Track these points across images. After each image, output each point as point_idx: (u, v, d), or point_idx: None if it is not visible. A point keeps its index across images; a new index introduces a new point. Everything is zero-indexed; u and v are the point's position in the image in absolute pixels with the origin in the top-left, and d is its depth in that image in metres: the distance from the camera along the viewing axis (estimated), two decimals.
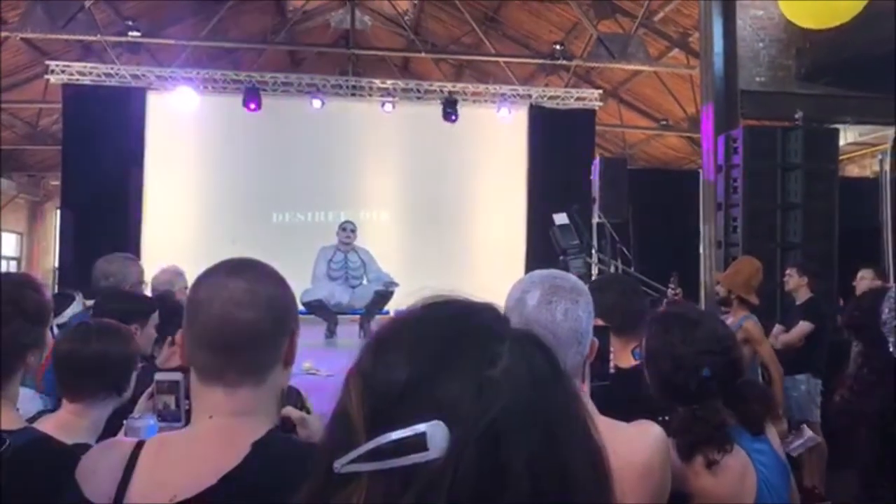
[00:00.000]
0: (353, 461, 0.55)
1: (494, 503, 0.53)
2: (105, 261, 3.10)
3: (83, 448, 1.49)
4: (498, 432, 0.54)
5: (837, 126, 6.85)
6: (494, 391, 0.55)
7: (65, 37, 10.04)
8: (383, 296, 7.73)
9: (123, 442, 1.11)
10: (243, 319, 1.03)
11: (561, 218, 7.25)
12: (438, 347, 0.58)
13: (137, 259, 3.65)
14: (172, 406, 1.33)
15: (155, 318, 2.50)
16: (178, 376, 1.08)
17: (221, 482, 0.96)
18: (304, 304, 7.47)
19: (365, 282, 7.87)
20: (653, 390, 1.71)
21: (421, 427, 0.53)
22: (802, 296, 5.18)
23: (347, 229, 7.87)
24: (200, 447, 1.02)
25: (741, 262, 4.74)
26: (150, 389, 1.42)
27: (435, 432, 0.53)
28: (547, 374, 0.59)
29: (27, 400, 1.89)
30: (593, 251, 8.23)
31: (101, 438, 1.67)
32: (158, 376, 1.43)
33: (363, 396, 0.58)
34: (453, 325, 0.60)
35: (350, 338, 7.56)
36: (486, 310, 0.63)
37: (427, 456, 0.53)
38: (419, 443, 0.53)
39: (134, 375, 1.83)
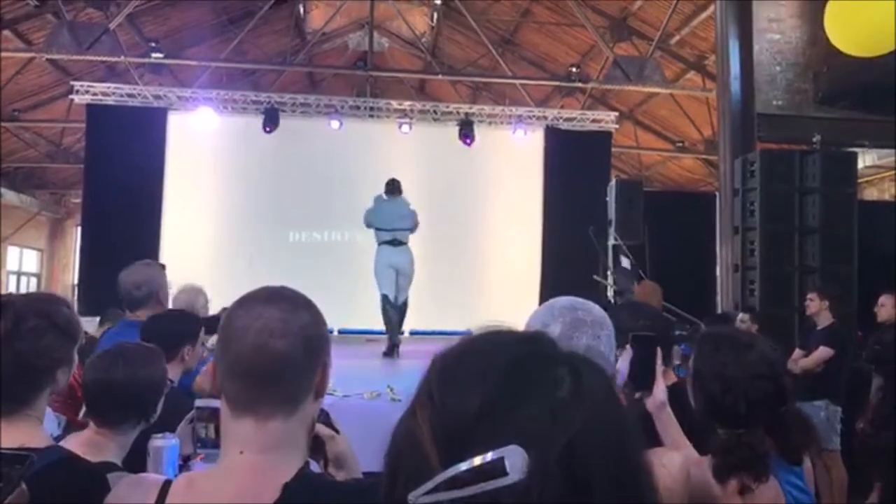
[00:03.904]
0: (430, 491, 0.54)
1: None
2: (128, 273, 2.94)
3: (109, 467, 1.50)
4: (575, 451, 0.55)
5: (855, 150, 6.81)
6: (568, 412, 0.57)
7: (89, 58, 10.23)
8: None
9: (149, 480, 1.10)
10: (277, 349, 1.01)
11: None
12: (508, 372, 0.59)
13: (155, 263, 3.64)
14: (213, 434, 1.31)
15: (202, 335, 2.48)
16: (218, 404, 1.09)
17: None
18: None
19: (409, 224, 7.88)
20: (698, 411, 1.66)
21: (499, 452, 0.54)
22: (824, 320, 5.10)
23: (390, 186, 7.83)
24: (230, 489, 1.00)
25: (639, 286, 4.66)
26: (189, 415, 1.42)
27: (513, 456, 0.54)
28: (606, 393, 0.61)
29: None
30: (608, 273, 8.21)
31: (127, 458, 1.68)
32: (198, 403, 1.44)
33: (434, 426, 0.58)
34: (517, 351, 0.62)
35: (363, 359, 7.54)
36: (540, 336, 0.66)
37: (508, 480, 0.53)
38: (499, 468, 0.53)
39: (161, 399, 1.81)
